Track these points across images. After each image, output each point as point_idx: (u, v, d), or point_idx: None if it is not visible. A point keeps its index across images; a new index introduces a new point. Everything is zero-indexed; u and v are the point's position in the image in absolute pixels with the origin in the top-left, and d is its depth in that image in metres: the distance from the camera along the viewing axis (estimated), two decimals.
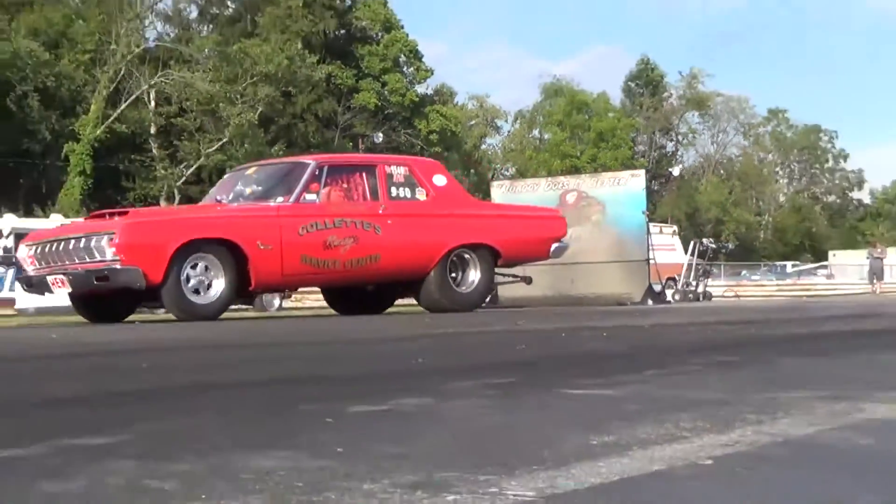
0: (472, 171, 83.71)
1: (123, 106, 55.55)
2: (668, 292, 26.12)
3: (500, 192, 23.73)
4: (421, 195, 14.95)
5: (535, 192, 23.18)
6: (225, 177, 16.79)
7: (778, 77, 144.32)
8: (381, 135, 68.46)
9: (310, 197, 13.80)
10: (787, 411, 3.62)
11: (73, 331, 11.80)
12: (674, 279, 28.03)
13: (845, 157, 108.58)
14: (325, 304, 17.49)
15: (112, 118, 54.82)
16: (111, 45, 55.62)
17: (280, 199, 13.73)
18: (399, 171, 14.92)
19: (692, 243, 29.65)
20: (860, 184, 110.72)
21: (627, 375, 5.24)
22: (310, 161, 14.60)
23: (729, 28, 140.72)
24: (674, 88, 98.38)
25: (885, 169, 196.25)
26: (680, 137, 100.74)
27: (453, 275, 15.03)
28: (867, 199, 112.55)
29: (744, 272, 66.99)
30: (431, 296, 14.92)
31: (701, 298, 27.93)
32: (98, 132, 53.86)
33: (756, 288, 48.74)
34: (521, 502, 2.19)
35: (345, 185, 14.43)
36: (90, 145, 53.58)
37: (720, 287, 41.88)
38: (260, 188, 14.25)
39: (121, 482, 2.46)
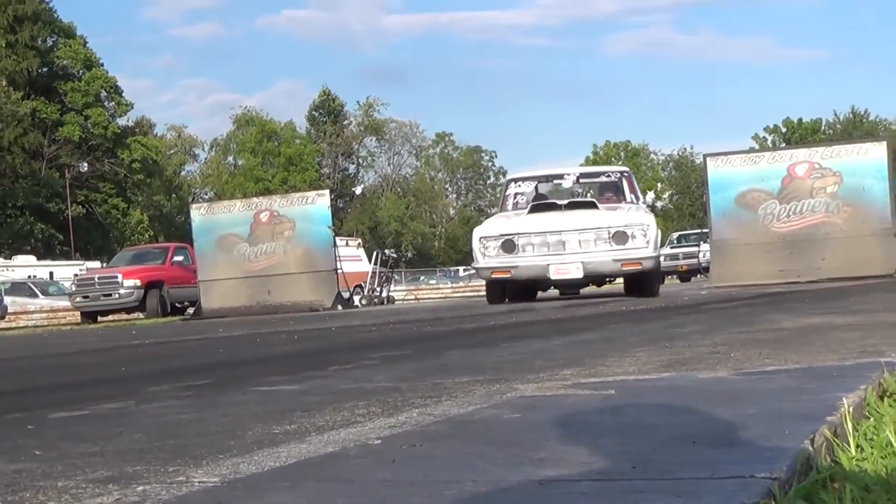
0: (173, 195, 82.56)
1: None
2: (356, 298, 26.37)
3: (199, 214, 23.44)
4: None
5: (232, 213, 23.03)
6: None
7: (443, 104, 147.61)
8: (86, 164, 66.49)
9: None
10: (450, 395, 3.70)
11: None
12: (361, 286, 28.17)
13: (504, 174, 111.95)
14: (39, 322, 16.76)
15: None
16: None
17: None
18: None
19: (375, 253, 29.89)
20: None
21: (313, 372, 5.27)
22: None
23: (400, 61, 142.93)
24: (353, 116, 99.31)
25: None
26: (360, 160, 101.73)
27: None
28: None
29: (422, 277, 68.26)
30: None
31: (385, 302, 28.22)
32: None
33: (433, 291, 49.73)
34: (206, 488, 2.16)
35: None
36: None
37: (402, 291, 42.45)
38: None
39: None
